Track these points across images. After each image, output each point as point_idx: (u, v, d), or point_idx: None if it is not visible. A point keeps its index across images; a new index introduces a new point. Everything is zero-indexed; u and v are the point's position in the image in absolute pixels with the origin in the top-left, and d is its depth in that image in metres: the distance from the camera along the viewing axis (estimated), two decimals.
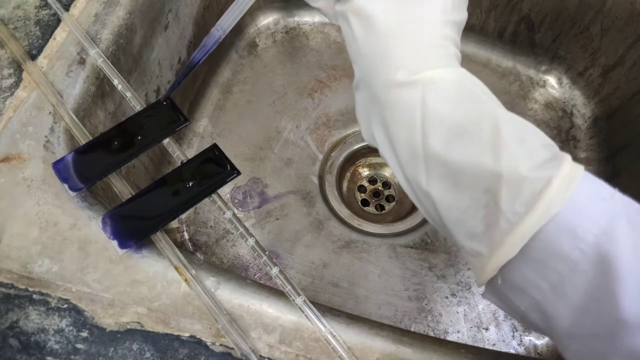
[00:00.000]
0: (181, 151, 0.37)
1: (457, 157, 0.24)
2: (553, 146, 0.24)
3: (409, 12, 0.25)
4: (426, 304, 0.52)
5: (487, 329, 0.51)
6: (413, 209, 0.58)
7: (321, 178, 0.59)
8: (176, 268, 0.33)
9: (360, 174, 0.62)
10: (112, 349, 0.30)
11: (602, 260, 0.21)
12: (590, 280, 0.21)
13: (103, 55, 0.40)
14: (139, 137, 0.37)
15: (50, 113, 0.38)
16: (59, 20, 0.42)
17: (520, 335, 0.51)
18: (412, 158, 0.25)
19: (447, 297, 0.52)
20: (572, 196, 0.22)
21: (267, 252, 0.34)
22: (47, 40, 0.41)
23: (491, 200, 0.23)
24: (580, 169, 0.23)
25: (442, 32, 0.26)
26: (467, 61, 0.66)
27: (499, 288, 0.25)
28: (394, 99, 0.25)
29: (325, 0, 0.30)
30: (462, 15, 0.27)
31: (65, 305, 0.32)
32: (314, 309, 0.32)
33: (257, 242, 0.34)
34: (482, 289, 0.27)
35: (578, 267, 0.22)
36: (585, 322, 0.22)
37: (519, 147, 0.23)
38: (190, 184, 0.35)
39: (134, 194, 0.35)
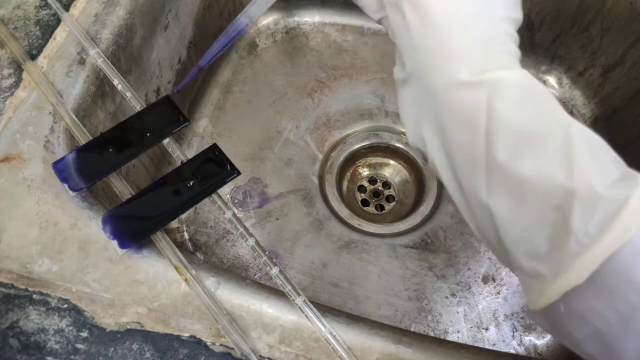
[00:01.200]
0: (181, 151, 0.37)
1: (525, 169, 0.22)
2: (621, 163, 0.22)
3: (472, 5, 0.23)
4: (426, 304, 0.52)
5: (487, 329, 0.51)
6: (413, 209, 0.58)
7: (321, 178, 0.59)
8: (176, 268, 0.33)
9: (360, 174, 0.62)
10: (112, 349, 0.30)
11: None
12: None
13: (103, 55, 0.40)
14: (139, 137, 0.37)
15: (50, 113, 0.38)
16: (59, 20, 0.42)
17: (520, 335, 0.51)
18: (472, 166, 0.23)
19: (447, 297, 0.52)
20: None
21: (267, 252, 0.34)
22: (47, 40, 0.41)
23: (560, 218, 0.21)
24: None
25: (505, 28, 0.24)
26: None
27: (554, 313, 0.23)
28: (456, 100, 0.23)
29: None
30: (520, 14, 0.25)
31: (65, 305, 0.32)
32: (314, 309, 0.32)
33: (257, 242, 0.34)
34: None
35: None
36: None
37: (592, 162, 0.21)
38: (191, 184, 0.35)
39: (134, 194, 0.35)
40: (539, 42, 0.63)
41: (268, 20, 0.69)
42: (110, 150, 0.36)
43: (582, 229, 0.20)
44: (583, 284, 0.21)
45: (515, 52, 0.24)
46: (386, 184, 0.62)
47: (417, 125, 0.26)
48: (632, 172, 0.22)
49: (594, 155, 0.21)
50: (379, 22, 0.29)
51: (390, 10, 0.26)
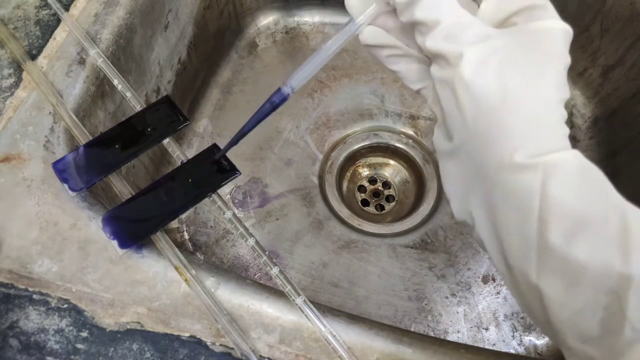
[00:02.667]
0: (181, 151, 0.37)
1: (579, 253, 0.21)
2: None
3: (529, 87, 0.23)
4: (426, 304, 0.52)
5: (487, 329, 0.51)
6: (413, 209, 0.58)
7: (321, 178, 0.59)
8: (176, 268, 0.33)
9: (360, 174, 0.62)
10: (112, 349, 0.30)
11: None
12: None
13: (103, 55, 0.40)
14: (139, 137, 0.37)
15: (50, 113, 0.38)
16: (59, 20, 0.42)
17: (520, 335, 0.51)
18: (523, 248, 0.23)
19: (447, 297, 0.52)
20: None
21: (267, 252, 0.34)
22: (47, 40, 0.41)
23: (615, 303, 0.21)
24: None
25: (559, 110, 0.24)
26: None
27: None
28: (509, 182, 0.23)
29: (406, 63, 0.28)
30: (568, 92, 0.25)
31: (65, 305, 0.32)
32: (314, 309, 0.32)
33: (257, 242, 0.34)
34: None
35: None
36: None
37: None
38: (190, 183, 0.35)
39: (134, 194, 0.35)
40: None
41: (268, 20, 0.69)
42: (110, 150, 0.36)
43: (638, 317, 0.20)
44: None
45: (567, 132, 0.24)
46: (386, 184, 0.62)
47: (464, 200, 0.26)
48: None
49: None
50: (418, 92, 0.29)
51: (440, 87, 0.25)
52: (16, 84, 0.39)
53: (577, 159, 0.23)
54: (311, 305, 0.32)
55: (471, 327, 0.51)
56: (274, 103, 0.33)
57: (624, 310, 0.21)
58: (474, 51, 0.24)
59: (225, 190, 0.57)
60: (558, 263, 0.22)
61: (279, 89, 0.32)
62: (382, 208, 0.60)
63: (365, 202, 0.61)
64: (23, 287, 0.32)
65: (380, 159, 0.63)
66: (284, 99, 0.32)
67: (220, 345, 0.31)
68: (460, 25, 0.24)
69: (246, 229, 0.34)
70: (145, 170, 0.51)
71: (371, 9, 0.28)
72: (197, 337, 0.31)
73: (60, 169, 0.35)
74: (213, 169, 0.36)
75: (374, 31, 0.29)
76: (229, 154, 0.37)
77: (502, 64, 0.24)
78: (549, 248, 0.22)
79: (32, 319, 0.31)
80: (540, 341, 0.51)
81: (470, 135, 0.24)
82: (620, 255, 0.21)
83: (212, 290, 0.32)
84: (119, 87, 0.38)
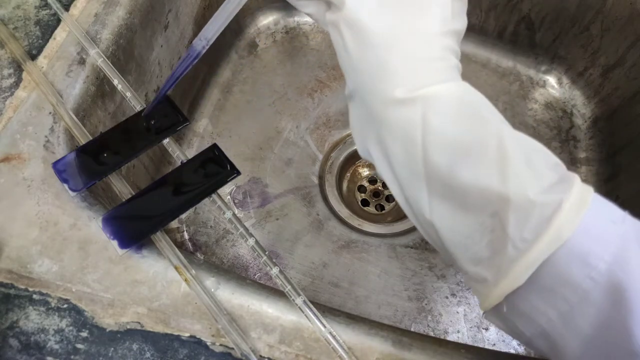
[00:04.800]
0: (181, 151, 0.37)
1: (462, 179, 0.22)
2: (560, 166, 0.23)
3: (407, 23, 0.24)
4: (426, 304, 0.52)
5: (487, 329, 0.51)
6: None
7: (321, 178, 0.59)
8: (176, 268, 0.33)
9: (360, 174, 0.62)
10: (112, 349, 0.30)
11: (615, 290, 0.20)
12: (601, 310, 0.21)
13: (103, 55, 0.40)
14: (139, 137, 0.37)
15: (50, 113, 0.38)
16: (59, 20, 0.42)
17: None
18: (413, 179, 0.24)
19: (447, 297, 0.52)
20: (583, 221, 0.21)
21: (267, 252, 0.34)
22: (47, 40, 0.41)
23: (498, 225, 0.22)
24: (590, 191, 0.22)
25: (442, 43, 0.24)
26: (467, 61, 0.66)
27: (504, 314, 0.24)
28: (393, 117, 0.24)
29: (315, 6, 0.28)
30: (463, 23, 0.25)
31: (65, 305, 0.32)
32: (314, 309, 0.32)
33: (257, 242, 0.34)
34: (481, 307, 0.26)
35: (589, 297, 0.21)
36: (595, 354, 0.22)
37: (526, 169, 0.22)
38: (190, 183, 0.35)
39: (134, 194, 0.35)
40: (539, 42, 0.63)
41: (268, 20, 0.69)
42: (110, 150, 0.36)
43: (518, 235, 0.21)
44: (523, 286, 0.22)
45: (455, 64, 0.25)
46: (386, 184, 0.62)
47: (362, 140, 0.27)
48: (570, 174, 0.23)
49: (528, 162, 0.22)
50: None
51: (331, 30, 0.26)
52: (16, 84, 0.39)
53: (458, 89, 0.24)
54: (311, 305, 0.32)
55: (471, 327, 0.51)
56: (189, 59, 0.32)
57: (505, 230, 0.22)
58: None
59: (225, 190, 0.57)
60: (444, 190, 0.23)
61: (192, 45, 0.32)
62: (382, 208, 0.60)
63: (365, 202, 0.61)
64: (23, 287, 0.32)
65: None
66: (199, 55, 0.32)
67: (220, 345, 0.31)
68: None
69: (246, 229, 0.34)
70: (145, 170, 0.51)
71: None
72: (197, 337, 0.31)
73: (60, 169, 0.35)
74: (213, 169, 0.36)
75: None
76: (229, 154, 0.37)
77: (382, 1, 0.24)
78: (434, 176, 0.23)
79: (32, 319, 0.31)
80: None
81: (357, 76, 0.25)
82: (498, 177, 0.22)
83: (212, 290, 0.32)
84: (119, 87, 0.38)
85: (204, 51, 0.31)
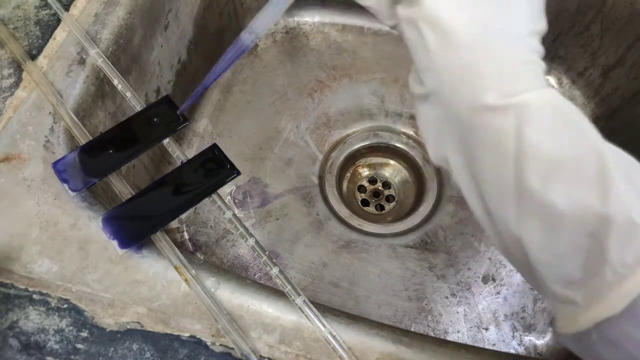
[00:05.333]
0: (181, 151, 0.37)
1: (557, 196, 0.21)
2: None
3: (494, 22, 0.22)
4: (426, 304, 0.52)
5: (487, 329, 0.51)
6: (413, 209, 0.58)
7: (321, 178, 0.59)
8: (176, 268, 0.33)
9: (360, 174, 0.62)
10: (112, 349, 0.30)
11: None
12: None
13: (103, 55, 0.40)
14: (139, 137, 0.37)
15: (50, 113, 0.38)
16: (59, 20, 0.42)
17: (520, 335, 0.51)
18: (501, 192, 0.22)
19: (447, 297, 0.52)
20: None
21: (267, 252, 0.34)
22: (47, 40, 0.41)
23: (595, 246, 0.21)
24: None
25: (529, 44, 0.22)
26: None
27: (588, 339, 0.22)
28: (482, 124, 0.22)
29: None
30: (544, 22, 0.23)
31: (65, 305, 0.32)
32: (314, 309, 0.32)
33: (257, 242, 0.34)
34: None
35: None
36: None
37: (628, 188, 0.20)
38: (190, 183, 0.35)
39: (134, 194, 0.35)
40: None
41: None
42: (110, 150, 0.36)
43: (619, 259, 0.20)
44: (619, 313, 0.20)
45: (542, 67, 0.23)
46: (386, 184, 0.62)
47: (439, 145, 0.25)
48: None
49: (629, 181, 0.20)
50: (393, 28, 0.28)
51: (406, 27, 0.24)
52: (16, 84, 0.39)
53: (552, 97, 0.22)
54: (311, 305, 0.32)
55: (471, 327, 0.51)
56: (236, 53, 0.31)
57: (605, 253, 0.20)
58: None
59: (225, 190, 0.57)
60: (537, 207, 0.21)
61: (239, 38, 0.30)
62: (382, 208, 0.60)
63: (365, 202, 0.61)
64: (23, 287, 0.32)
65: (380, 159, 0.63)
66: (246, 49, 0.30)
67: (220, 345, 0.31)
68: None
69: (246, 229, 0.34)
70: (145, 170, 0.51)
71: None
72: (197, 337, 0.31)
73: (60, 169, 0.35)
74: (213, 169, 0.36)
75: None
76: (229, 154, 0.37)
77: None
78: (526, 192, 0.21)
79: (32, 319, 0.31)
80: (540, 341, 0.51)
81: (439, 77, 0.23)
82: (598, 196, 0.20)
83: (212, 290, 0.32)
84: (119, 87, 0.38)
85: (252, 45, 0.31)
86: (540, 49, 0.23)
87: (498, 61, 0.22)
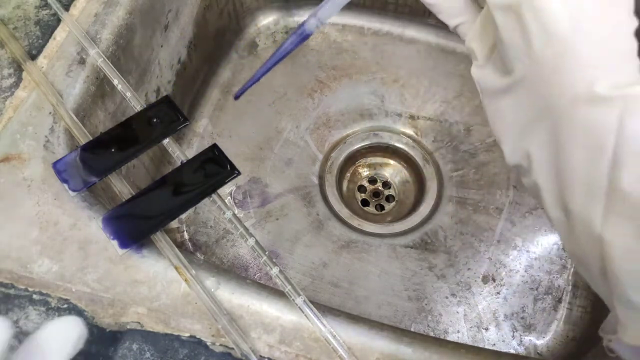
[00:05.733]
0: (181, 151, 0.37)
1: None
2: None
3: (600, 13, 0.21)
4: (426, 304, 0.52)
5: (487, 329, 0.51)
6: (413, 209, 0.58)
7: (321, 178, 0.59)
8: (176, 268, 0.33)
9: (360, 174, 0.62)
10: (112, 348, 0.30)
11: None
12: None
13: (103, 55, 0.40)
14: (139, 137, 0.37)
15: (50, 113, 0.38)
16: (59, 20, 0.42)
17: (520, 335, 0.51)
18: (589, 192, 0.21)
19: (447, 297, 0.52)
20: None
21: (267, 252, 0.34)
22: (47, 40, 0.41)
23: None
24: None
25: (632, 37, 0.21)
26: (467, 61, 0.66)
27: None
28: (582, 116, 0.21)
29: None
30: (637, 22, 0.22)
31: (65, 305, 0.32)
32: (314, 309, 0.32)
33: (257, 242, 0.34)
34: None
35: None
36: None
37: None
38: (190, 183, 0.35)
39: (134, 194, 0.35)
40: None
41: (268, 20, 0.69)
42: (110, 150, 0.36)
43: None
44: None
45: None
46: (386, 184, 0.62)
47: (521, 140, 0.23)
48: None
49: None
50: (455, 29, 0.27)
51: (502, 14, 0.23)
52: (16, 84, 0.39)
53: None
54: (311, 305, 0.32)
55: (471, 327, 0.51)
56: (298, 38, 0.31)
57: None
58: None
59: (225, 190, 0.57)
60: (630, 210, 0.20)
61: (303, 24, 0.30)
62: (382, 208, 0.60)
63: (365, 202, 0.61)
64: (23, 287, 0.32)
65: (380, 159, 0.63)
66: (308, 35, 0.30)
67: (220, 345, 0.31)
68: None
69: (246, 229, 0.34)
70: (145, 170, 0.51)
71: None
72: (197, 337, 0.31)
73: (60, 169, 0.35)
74: (213, 169, 0.36)
75: None
76: (229, 154, 0.37)
77: None
78: (620, 193, 0.20)
79: (32, 319, 0.31)
80: (540, 341, 0.51)
81: (536, 66, 0.22)
82: None
83: (212, 290, 0.32)
84: (119, 87, 0.38)
85: (315, 31, 0.31)
86: (637, 44, 0.22)
87: (605, 51, 0.21)
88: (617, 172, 0.20)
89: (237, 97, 0.36)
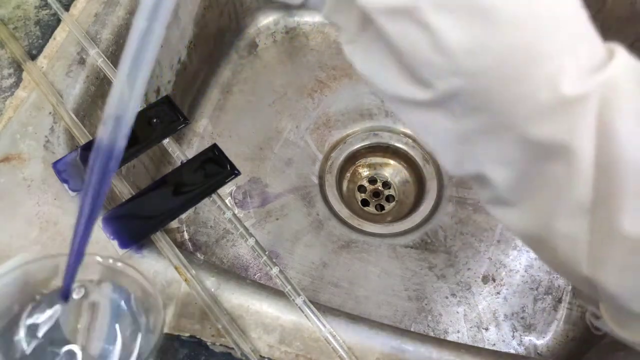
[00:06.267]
0: (181, 151, 0.37)
1: None
2: None
3: None
4: (426, 304, 0.52)
5: (487, 329, 0.51)
6: (413, 209, 0.58)
7: (321, 178, 0.59)
8: (176, 268, 0.33)
9: (360, 174, 0.62)
10: None
11: None
12: None
13: (103, 55, 0.40)
14: (139, 137, 0.37)
15: (50, 113, 0.38)
16: (59, 20, 0.42)
17: (520, 335, 0.51)
18: (568, 214, 0.17)
19: (447, 297, 0.52)
20: None
21: (267, 252, 0.34)
22: (47, 40, 0.41)
23: None
24: None
25: (579, 5, 0.17)
26: None
27: None
28: (552, 129, 0.16)
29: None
30: None
31: None
32: (314, 309, 0.32)
33: (257, 242, 0.34)
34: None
35: None
36: None
37: None
38: (190, 183, 0.35)
39: (134, 194, 0.35)
40: None
41: (268, 20, 0.69)
42: None
43: None
44: None
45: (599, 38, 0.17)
46: (386, 184, 0.62)
47: (465, 159, 0.19)
48: None
49: None
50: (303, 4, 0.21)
51: (389, 21, 0.17)
52: (16, 84, 0.39)
53: (630, 61, 0.16)
54: (311, 305, 0.32)
55: (471, 327, 0.51)
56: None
57: None
58: None
59: (225, 190, 0.57)
60: (621, 244, 0.16)
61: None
62: (382, 208, 0.60)
63: (365, 202, 0.61)
64: None
65: (380, 159, 0.63)
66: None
67: (220, 345, 0.31)
68: None
69: (246, 229, 0.34)
70: (145, 170, 0.51)
71: None
72: (197, 337, 0.31)
73: (60, 169, 0.35)
74: (213, 169, 0.36)
75: None
76: (229, 154, 0.37)
77: None
78: (618, 236, 0.16)
79: None
80: (540, 341, 0.51)
81: (467, 79, 0.16)
82: None
83: (212, 290, 0.32)
84: None
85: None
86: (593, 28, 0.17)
87: (560, 35, 0.16)
88: (614, 215, 0.16)
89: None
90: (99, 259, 0.24)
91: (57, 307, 0.24)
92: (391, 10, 0.16)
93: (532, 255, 0.54)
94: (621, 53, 0.17)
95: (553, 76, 0.15)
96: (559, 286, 0.53)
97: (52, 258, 0.24)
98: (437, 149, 0.19)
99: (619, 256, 0.17)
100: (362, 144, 0.61)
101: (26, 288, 0.24)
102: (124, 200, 0.34)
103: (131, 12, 0.44)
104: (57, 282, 0.23)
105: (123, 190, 0.35)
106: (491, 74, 0.16)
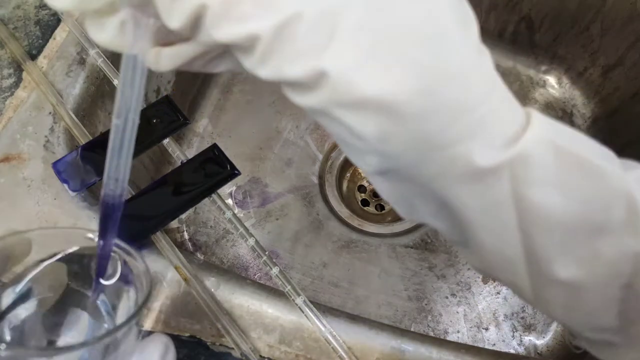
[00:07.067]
0: (181, 151, 0.37)
1: (582, 255, 0.18)
2: None
3: (431, 58, 0.16)
4: (426, 304, 0.52)
5: (487, 329, 0.51)
6: None
7: (321, 178, 0.59)
8: (176, 268, 0.33)
9: (360, 173, 0.62)
10: None
11: None
12: None
13: (103, 55, 0.40)
14: (139, 137, 0.37)
15: (50, 113, 0.38)
16: (59, 20, 0.42)
17: (520, 335, 0.51)
18: (508, 263, 0.19)
19: (447, 297, 0.52)
20: None
21: (267, 252, 0.34)
22: (47, 40, 0.41)
23: (632, 295, 0.18)
24: None
25: (485, 64, 0.17)
26: None
27: None
28: (469, 199, 0.17)
29: (230, 60, 0.19)
30: (473, 15, 0.17)
31: None
32: (314, 309, 0.32)
33: (257, 242, 0.34)
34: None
35: None
36: None
37: None
38: (190, 183, 0.35)
39: (134, 194, 0.35)
40: (539, 42, 0.63)
41: None
42: None
43: None
44: None
45: (505, 88, 0.18)
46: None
47: (413, 212, 0.20)
48: None
49: None
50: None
51: (323, 119, 0.17)
52: (16, 84, 0.39)
53: (542, 130, 0.17)
54: (311, 305, 0.32)
55: (471, 327, 0.51)
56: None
57: None
58: (336, 49, 0.15)
59: (225, 190, 0.57)
60: (557, 289, 0.19)
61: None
62: (382, 208, 0.60)
63: (365, 202, 0.61)
64: None
65: None
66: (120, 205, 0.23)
67: (220, 345, 0.31)
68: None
69: (246, 229, 0.34)
70: (145, 170, 0.51)
71: (138, 31, 0.18)
72: (197, 337, 0.31)
73: (60, 169, 0.35)
74: (213, 169, 0.36)
75: (171, 52, 0.19)
76: (229, 154, 0.37)
77: (376, 44, 0.15)
78: (542, 264, 0.18)
79: None
80: (540, 341, 0.51)
81: (392, 160, 0.17)
82: (636, 244, 0.18)
83: (212, 290, 0.32)
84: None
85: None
86: (483, 48, 0.18)
87: (466, 111, 0.16)
88: (533, 248, 0.18)
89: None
90: (90, 235, 0.25)
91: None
92: (311, 110, 0.17)
93: None
94: (536, 119, 0.18)
95: (467, 150, 0.16)
96: None
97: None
98: (390, 201, 0.21)
99: (559, 298, 0.19)
100: None
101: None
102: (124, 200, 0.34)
103: None
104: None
105: None
106: (404, 156, 0.17)
